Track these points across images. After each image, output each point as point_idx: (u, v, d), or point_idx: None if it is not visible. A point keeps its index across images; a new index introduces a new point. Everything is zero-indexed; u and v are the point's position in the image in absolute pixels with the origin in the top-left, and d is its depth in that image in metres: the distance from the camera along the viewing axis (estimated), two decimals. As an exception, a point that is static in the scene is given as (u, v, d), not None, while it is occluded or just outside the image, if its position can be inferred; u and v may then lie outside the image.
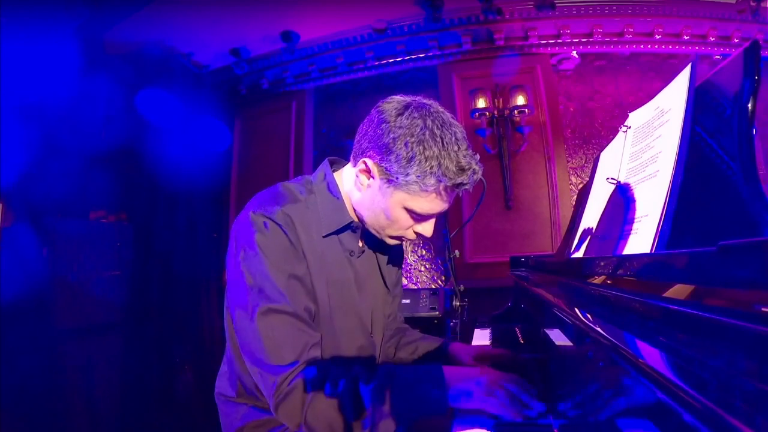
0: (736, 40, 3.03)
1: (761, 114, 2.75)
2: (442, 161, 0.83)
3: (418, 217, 0.92)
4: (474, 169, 0.87)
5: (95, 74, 2.75)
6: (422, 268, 3.28)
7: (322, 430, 0.82)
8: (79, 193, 2.77)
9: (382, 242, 1.01)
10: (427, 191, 0.86)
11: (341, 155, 1.09)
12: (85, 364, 2.62)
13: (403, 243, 1.11)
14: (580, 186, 2.64)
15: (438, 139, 0.84)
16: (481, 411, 0.81)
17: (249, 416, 1.00)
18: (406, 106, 0.88)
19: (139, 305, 3.09)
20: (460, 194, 0.92)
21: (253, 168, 3.62)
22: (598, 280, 0.74)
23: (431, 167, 0.83)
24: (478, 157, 0.90)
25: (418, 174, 0.84)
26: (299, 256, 0.91)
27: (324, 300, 0.95)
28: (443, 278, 3.21)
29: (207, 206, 3.60)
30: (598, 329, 0.52)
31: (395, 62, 3.38)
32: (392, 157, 0.85)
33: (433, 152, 0.83)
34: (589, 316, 0.61)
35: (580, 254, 1.10)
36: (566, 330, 0.72)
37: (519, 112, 2.96)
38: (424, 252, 3.29)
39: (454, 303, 1.96)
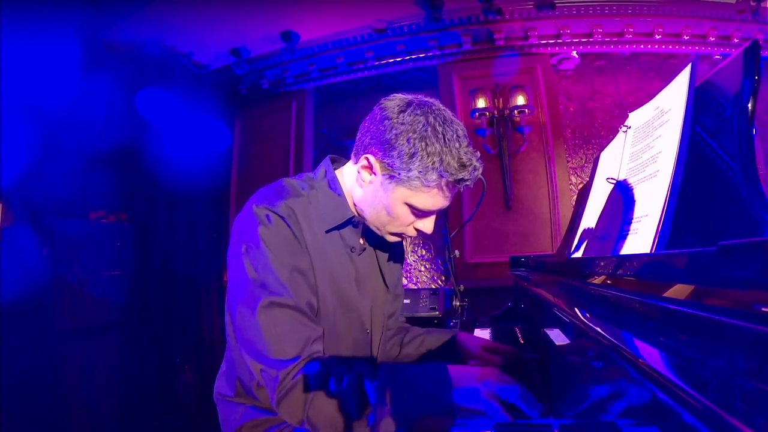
0: (736, 40, 3.03)
1: (761, 114, 2.74)
2: (444, 157, 0.84)
3: (419, 213, 0.93)
4: (475, 166, 0.88)
5: (95, 74, 2.75)
6: (422, 268, 3.28)
7: (323, 427, 0.82)
8: (79, 193, 2.77)
9: (383, 240, 1.01)
10: (428, 187, 0.87)
11: (341, 155, 1.09)
12: (85, 364, 2.62)
13: (404, 242, 1.11)
14: (580, 186, 2.64)
15: (440, 136, 0.85)
16: (484, 413, 0.80)
17: (247, 416, 1.00)
18: (409, 104, 0.89)
19: (139, 305, 3.09)
20: (461, 191, 0.92)
21: (253, 168, 3.62)
22: (598, 280, 0.74)
23: (433, 163, 0.84)
24: (478, 154, 0.91)
25: (420, 169, 0.85)
26: (302, 250, 0.91)
27: (325, 295, 0.95)
28: (443, 278, 3.21)
29: (207, 206, 3.60)
30: (598, 329, 0.52)
31: (395, 62, 3.38)
32: (394, 153, 0.86)
33: (435, 148, 0.84)
34: (589, 316, 0.61)
35: (580, 254, 1.10)
36: (566, 330, 0.72)
37: (519, 112, 2.96)
38: (424, 252, 3.29)
39: (454, 303, 1.96)
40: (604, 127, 3.13)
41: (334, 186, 1.00)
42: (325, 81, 3.56)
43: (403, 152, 0.85)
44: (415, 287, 3.20)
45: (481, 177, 1.07)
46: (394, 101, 0.90)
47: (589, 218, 1.13)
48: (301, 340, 0.85)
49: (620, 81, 3.18)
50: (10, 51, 2.27)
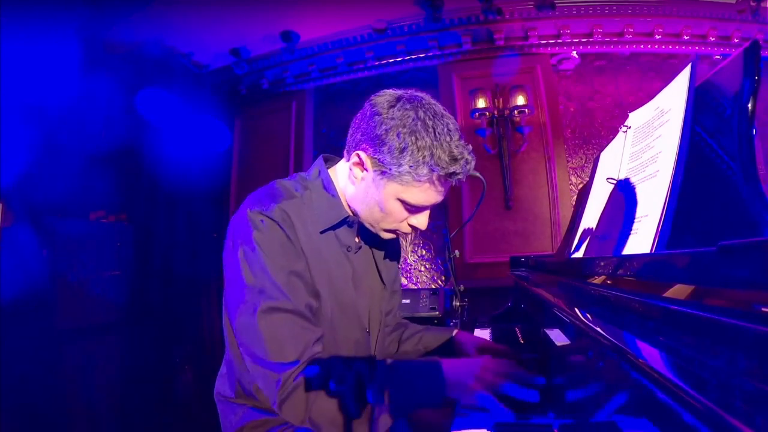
0: (736, 40, 3.03)
1: (761, 114, 2.74)
2: (434, 151, 0.84)
3: (412, 209, 0.93)
4: (466, 159, 0.88)
5: (95, 74, 2.75)
6: (422, 268, 3.28)
7: (325, 426, 0.83)
8: (79, 193, 2.77)
9: (379, 238, 1.01)
10: (420, 181, 0.87)
11: (341, 155, 1.09)
12: (85, 364, 2.62)
13: (400, 239, 1.11)
14: (580, 186, 2.64)
15: (430, 130, 0.85)
16: (481, 407, 0.81)
17: (248, 416, 1.00)
18: (398, 99, 0.89)
19: (139, 305, 3.09)
20: (455, 186, 0.92)
21: (253, 168, 3.62)
22: (598, 280, 0.74)
23: (424, 157, 0.84)
24: (470, 147, 0.90)
25: (411, 164, 0.85)
26: (297, 253, 0.91)
27: (324, 295, 0.95)
28: (443, 278, 3.21)
29: (207, 206, 3.60)
30: (598, 329, 0.52)
31: (395, 62, 3.38)
32: (385, 149, 0.86)
33: (426, 142, 0.84)
34: (589, 316, 0.61)
35: (580, 254, 1.10)
36: (566, 330, 0.72)
37: (519, 112, 2.96)
38: (424, 252, 3.29)
39: (454, 303, 1.96)
40: (604, 127, 3.13)
41: (327, 186, 1.00)
42: (325, 81, 3.56)
43: (393, 147, 0.85)
44: (415, 287, 3.19)
45: (481, 177, 1.08)
46: (383, 97, 0.90)
47: (589, 218, 1.13)
48: (301, 343, 0.85)
49: (620, 81, 3.18)
50: (11, 51, 2.27)
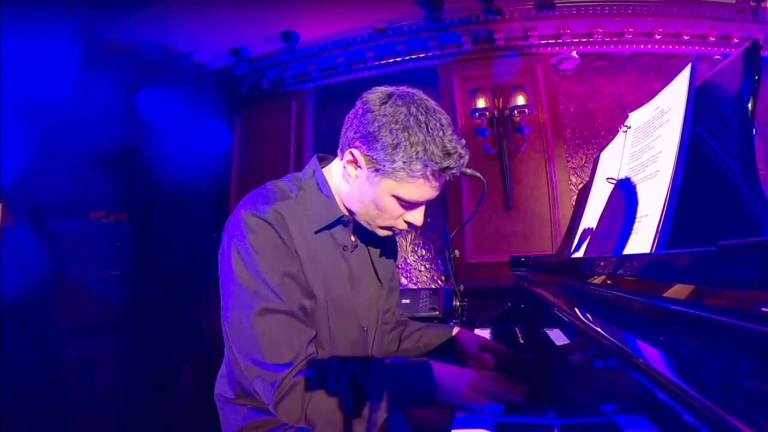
0: (736, 40, 3.03)
1: (761, 114, 2.74)
2: (427, 146, 0.85)
3: (407, 205, 0.93)
4: (460, 153, 0.88)
5: (95, 74, 2.75)
6: (422, 268, 3.28)
7: (321, 426, 0.83)
8: (79, 193, 2.77)
9: (375, 235, 1.02)
10: (414, 177, 0.87)
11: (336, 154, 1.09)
12: (85, 364, 2.62)
13: (399, 238, 1.12)
14: (580, 186, 2.64)
15: (423, 125, 0.85)
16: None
17: (249, 417, 1.00)
18: (390, 95, 0.89)
19: (139, 305, 3.09)
20: (449, 179, 0.92)
21: (253, 168, 3.62)
22: (598, 280, 0.74)
23: (417, 153, 0.84)
24: (464, 142, 0.90)
25: (405, 160, 0.85)
26: (291, 254, 0.91)
27: (320, 295, 0.95)
28: (443, 278, 3.21)
29: (207, 206, 3.60)
30: (598, 329, 0.52)
31: (395, 62, 3.38)
32: (378, 146, 0.86)
33: (418, 138, 0.84)
34: (589, 316, 0.61)
35: (580, 254, 1.10)
36: (566, 330, 0.72)
37: (519, 112, 2.95)
38: (424, 252, 3.29)
39: (454, 303, 1.96)
40: (604, 127, 3.13)
41: (321, 186, 1.00)
42: (325, 81, 3.56)
43: (386, 144, 0.85)
44: (415, 287, 3.19)
45: (481, 177, 1.08)
46: (375, 94, 0.90)
47: (589, 218, 1.13)
48: (296, 343, 0.86)
49: (620, 81, 3.18)
50: (11, 51, 2.27)
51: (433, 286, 3.16)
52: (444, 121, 0.88)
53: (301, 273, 0.92)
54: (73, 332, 2.58)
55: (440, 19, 3.06)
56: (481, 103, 2.98)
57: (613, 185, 0.99)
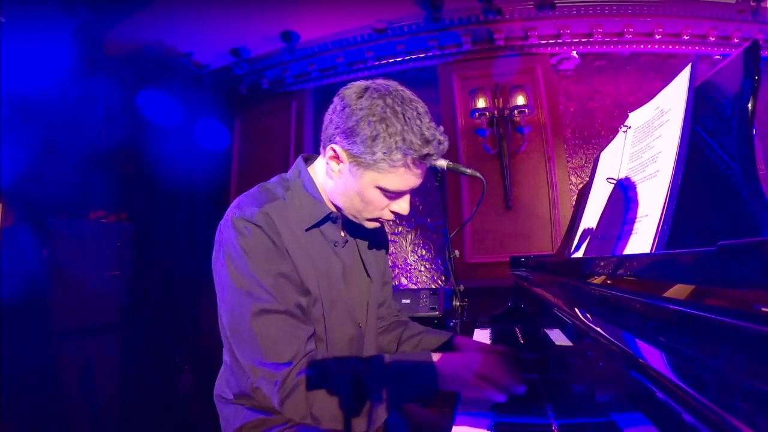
0: (736, 40, 3.03)
1: (761, 114, 2.74)
2: (405, 136, 0.86)
3: (392, 195, 0.94)
4: (439, 140, 0.90)
5: (95, 74, 2.75)
6: (422, 268, 3.28)
7: (326, 420, 0.85)
8: (79, 193, 2.77)
9: (364, 230, 1.03)
10: (395, 167, 0.88)
11: None
12: (85, 364, 2.62)
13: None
14: (580, 186, 2.64)
15: (399, 116, 0.86)
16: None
17: (247, 417, 1.01)
18: (366, 89, 0.90)
19: (139, 305, 3.09)
20: (430, 165, 0.94)
21: (253, 168, 3.62)
22: (598, 280, 0.74)
23: (396, 142, 0.86)
24: (442, 129, 0.92)
25: (384, 151, 0.86)
26: (283, 254, 0.92)
27: (314, 292, 0.96)
28: (443, 278, 3.21)
29: (207, 206, 3.60)
30: (598, 329, 0.52)
31: (395, 62, 3.38)
32: (357, 139, 0.87)
33: (396, 128, 0.86)
34: (589, 316, 0.61)
35: (580, 254, 1.10)
36: (566, 330, 0.72)
37: (519, 112, 2.95)
38: (424, 252, 3.29)
39: (454, 303, 1.95)
40: (604, 127, 3.13)
41: (308, 186, 1.01)
42: (325, 81, 3.56)
43: (365, 136, 0.86)
44: (415, 287, 3.20)
45: (481, 177, 1.08)
46: (351, 89, 0.92)
47: (589, 218, 1.13)
48: (295, 342, 0.87)
49: (620, 81, 3.18)
50: (11, 51, 2.27)
51: (433, 286, 3.16)
52: (421, 110, 0.89)
53: (295, 272, 0.93)
54: (72, 332, 2.57)
55: (440, 19, 3.06)
56: (481, 103, 2.98)
57: (613, 185, 0.99)
